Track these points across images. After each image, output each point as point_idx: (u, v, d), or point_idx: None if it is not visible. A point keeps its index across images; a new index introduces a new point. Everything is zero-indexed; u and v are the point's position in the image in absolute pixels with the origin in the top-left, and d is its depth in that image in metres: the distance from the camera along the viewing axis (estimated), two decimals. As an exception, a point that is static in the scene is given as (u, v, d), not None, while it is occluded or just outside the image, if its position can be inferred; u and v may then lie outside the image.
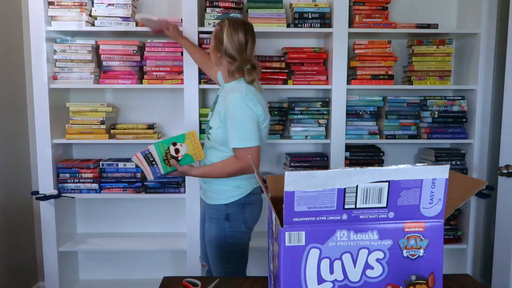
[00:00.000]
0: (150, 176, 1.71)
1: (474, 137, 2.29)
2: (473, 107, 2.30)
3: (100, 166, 2.29)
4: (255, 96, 1.63)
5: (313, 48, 2.29)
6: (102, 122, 2.24)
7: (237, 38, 1.65)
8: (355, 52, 2.29)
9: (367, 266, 0.82)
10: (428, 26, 2.24)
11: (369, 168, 0.77)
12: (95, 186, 2.26)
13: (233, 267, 1.73)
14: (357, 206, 0.80)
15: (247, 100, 1.59)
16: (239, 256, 1.74)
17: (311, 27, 2.21)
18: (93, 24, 2.20)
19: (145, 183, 2.29)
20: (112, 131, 2.26)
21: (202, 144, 1.77)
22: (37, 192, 2.19)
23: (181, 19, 2.16)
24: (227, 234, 1.69)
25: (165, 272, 2.55)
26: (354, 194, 0.79)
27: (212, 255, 1.74)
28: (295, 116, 2.30)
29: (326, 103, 2.31)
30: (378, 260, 0.82)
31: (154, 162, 1.69)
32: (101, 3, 2.17)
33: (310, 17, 2.21)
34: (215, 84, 2.22)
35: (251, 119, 1.60)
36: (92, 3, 2.20)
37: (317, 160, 2.32)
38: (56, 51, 2.21)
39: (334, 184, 0.77)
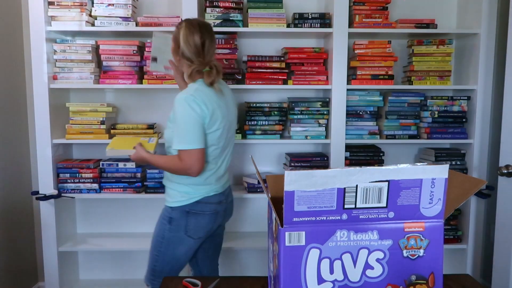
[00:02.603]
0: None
1: (474, 137, 2.29)
2: (473, 107, 2.30)
3: (100, 166, 2.29)
4: (204, 98, 1.58)
5: (313, 48, 2.29)
6: (102, 122, 2.24)
7: (192, 41, 1.62)
8: (355, 52, 2.28)
9: (367, 266, 0.82)
10: (428, 26, 2.24)
11: (369, 167, 0.77)
12: (95, 186, 2.26)
13: (160, 266, 1.73)
14: (357, 206, 0.80)
15: (190, 101, 1.55)
16: (169, 259, 1.71)
17: (311, 27, 2.21)
18: (93, 24, 2.20)
19: (145, 183, 2.29)
20: (112, 131, 2.26)
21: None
22: (37, 192, 2.18)
23: (181, 19, 2.16)
24: (164, 235, 1.70)
25: (165, 272, 2.55)
26: (354, 194, 0.78)
27: (150, 249, 1.76)
28: (295, 116, 2.30)
29: (326, 103, 2.31)
30: (378, 260, 0.82)
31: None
32: (101, 3, 2.17)
33: (310, 17, 2.21)
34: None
35: (192, 121, 1.55)
36: (92, 3, 2.20)
37: (317, 160, 2.32)
38: (56, 51, 2.21)
39: (334, 183, 0.77)
